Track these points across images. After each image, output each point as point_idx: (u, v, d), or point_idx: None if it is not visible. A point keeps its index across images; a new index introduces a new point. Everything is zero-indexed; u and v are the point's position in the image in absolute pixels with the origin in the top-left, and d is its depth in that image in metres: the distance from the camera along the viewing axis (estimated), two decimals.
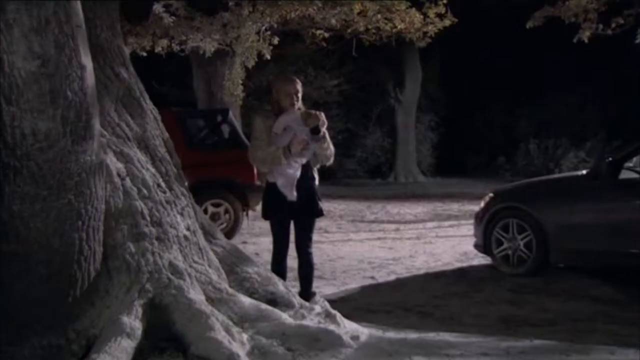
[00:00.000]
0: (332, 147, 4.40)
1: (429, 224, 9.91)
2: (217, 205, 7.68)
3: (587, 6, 6.46)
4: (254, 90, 15.70)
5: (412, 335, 3.86)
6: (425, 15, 10.57)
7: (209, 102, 12.09)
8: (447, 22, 10.72)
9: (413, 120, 19.14)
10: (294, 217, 4.48)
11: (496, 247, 6.03)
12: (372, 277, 6.02)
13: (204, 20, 10.08)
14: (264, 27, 9.96)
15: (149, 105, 3.63)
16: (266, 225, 9.62)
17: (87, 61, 2.62)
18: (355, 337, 3.53)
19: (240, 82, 10.02)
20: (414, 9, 10.26)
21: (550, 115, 18.72)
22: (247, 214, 8.00)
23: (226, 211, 7.74)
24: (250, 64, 9.81)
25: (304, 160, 4.38)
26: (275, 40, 10.01)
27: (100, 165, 2.85)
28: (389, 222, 10.29)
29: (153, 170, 3.46)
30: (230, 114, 8.23)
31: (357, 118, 18.53)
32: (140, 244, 3.23)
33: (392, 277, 6.05)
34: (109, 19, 3.35)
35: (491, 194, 6.35)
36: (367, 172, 19.07)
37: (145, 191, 3.33)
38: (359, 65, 16.76)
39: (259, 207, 8.68)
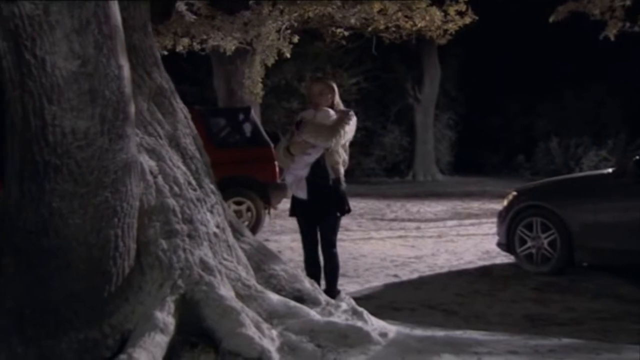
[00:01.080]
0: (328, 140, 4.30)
1: (450, 223, 9.89)
2: (239, 203, 7.73)
3: (614, 3, 6.39)
4: (272, 88, 15.75)
5: (439, 333, 3.87)
6: (446, 13, 10.56)
7: (228, 101, 12.16)
8: (467, 20, 10.71)
9: (431, 118, 19.08)
10: (313, 217, 4.53)
11: (519, 246, 6.02)
12: (395, 275, 6.04)
13: (224, 19, 10.17)
14: (284, 26, 10.03)
15: (179, 104, 3.69)
16: (287, 223, 9.72)
17: (124, 61, 2.67)
18: (383, 334, 3.56)
19: (260, 80, 10.07)
20: (434, 6, 10.26)
21: (571, 113, 18.56)
22: (269, 212, 8.05)
23: (248, 209, 7.79)
24: (270, 62, 9.87)
25: (310, 160, 4.40)
26: (296, 39, 10.07)
27: (135, 163, 2.90)
28: (409, 220, 10.29)
29: (184, 168, 3.51)
30: (252, 112, 8.27)
31: (376, 116, 18.50)
32: (172, 241, 3.28)
33: (415, 275, 6.06)
34: (141, 20, 3.41)
35: (514, 193, 6.33)
36: (385, 170, 19.05)
37: (176, 189, 3.38)
38: (377, 63, 16.75)
39: (280, 205, 8.79)
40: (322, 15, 9.93)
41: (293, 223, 9.67)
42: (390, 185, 17.06)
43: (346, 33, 10.88)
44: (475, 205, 12.11)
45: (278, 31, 9.85)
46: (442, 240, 8.10)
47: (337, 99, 4.62)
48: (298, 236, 8.09)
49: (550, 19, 7.25)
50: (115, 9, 2.61)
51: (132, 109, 2.79)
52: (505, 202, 6.37)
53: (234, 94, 12.17)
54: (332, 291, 4.46)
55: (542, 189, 6.27)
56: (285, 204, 9.37)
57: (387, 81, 18.56)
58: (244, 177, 7.67)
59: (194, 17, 9.81)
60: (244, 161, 7.66)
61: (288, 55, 9.78)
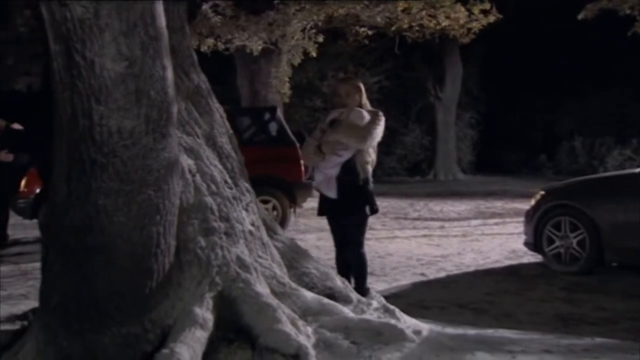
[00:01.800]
0: (358, 141, 4.33)
1: (474, 222, 9.88)
2: (265, 202, 7.80)
3: None
4: (295, 87, 15.83)
5: (471, 331, 3.88)
6: (470, 12, 10.54)
7: (252, 100, 12.26)
8: (491, 19, 10.69)
9: (453, 117, 19.04)
10: (341, 216, 4.57)
11: (547, 245, 5.99)
12: (423, 274, 6.05)
13: (249, 19, 10.26)
14: (309, 25, 10.08)
15: (215, 103, 3.75)
16: (311, 222, 9.76)
17: (168, 62, 2.73)
18: (417, 332, 3.59)
19: (287, 79, 10.14)
20: (459, 5, 10.25)
21: (594, 112, 18.39)
22: (294, 211, 8.11)
23: (274, 208, 7.86)
24: (296, 61, 9.94)
25: (341, 159, 4.43)
26: (321, 38, 10.12)
27: (176, 162, 2.97)
28: (433, 219, 10.29)
29: (220, 167, 3.57)
30: (278, 111, 8.33)
31: (397, 115, 18.50)
32: (210, 238, 3.34)
33: (442, 274, 6.07)
34: (180, 21, 3.47)
35: (542, 192, 6.31)
36: (406, 169, 19.05)
37: (214, 187, 3.44)
38: (399, 62, 16.75)
39: (305, 204, 8.84)
40: (347, 14, 9.97)
41: (317, 222, 9.78)
42: (411, 184, 17.05)
43: (370, 32, 10.91)
44: (498, 205, 12.07)
45: (303, 31, 9.90)
46: (467, 240, 8.10)
47: (365, 99, 4.64)
48: (324, 235, 8.23)
49: (579, 17, 7.19)
50: (161, 12, 2.67)
51: (175, 109, 2.85)
52: (532, 202, 6.35)
53: (257, 93, 12.26)
54: (361, 289, 4.49)
55: (571, 188, 6.24)
56: (309, 203, 9.46)
57: (409, 80, 18.56)
58: (270, 176, 7.74)
59: (219, 17, 9.91)
60: (270, 160, 7.73)
61: (314, 55, 9.83)
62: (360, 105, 4.54)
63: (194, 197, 3.32)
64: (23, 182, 7.43)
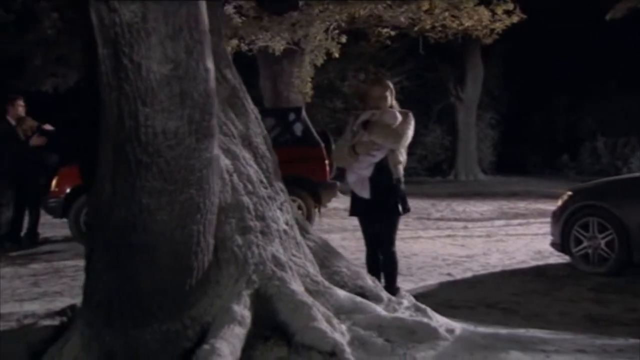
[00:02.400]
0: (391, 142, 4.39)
1: (497, 222, 9.86)
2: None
3: None
4: (315, 87, 15.90)
5: (502, 330, 3.90)
6: (493, 12, 10.51)
7: (274, 101, 12.33)
8: (515, 19, 10.64)
9: (474, 118, 18.97)
10: (373, 215, 4.61)
11: (575, 246, 5.98)
12: (449, 274, 6.07)
13: (272, 20, 10.33)
14: (332, 26, 10.13)
15: (250, 104, 3.82)
16: (334, 222, 9.79)
17: (211, 64, 2.80)
18: (450, 331, 3.62)
19: (309, 79, 10.20)
20: (482, 5, 10.23)
21: (617, 112, 18.20)
22: (319, 211, 8.16)
23: (299, 208, 7.91)
24: (319, 62, 10.00)
25: (375, 160, 4.47)
26: (343, 39, 10.17)
27: (217, 162, 3.04)
28: (456, 220, 10.28)
29: (255, 167, 3.64)
30: (304, 112, 8.40)
31: (417, 116, 18.32)
32: (247, 237, 3.40)
33: (469, 274, 6.08)
34: (216, 23, 3.53)
35: (569, 193, 6.29)
36: (426, 170, 19.02)
37: (250, 187, 3.50)
38: (420, 62, 16.73)
39: (330, 204, 8.88)
40: (369, 15, 10.00)
41: (341, 222, 9.84)
42: (432, 184, 17.01)
43: (392, 33, 10.92)
44: (521, 205, 12.01)
45: (326, 31, 9.96)
46: (492, 240, 8.09)
47: (394, 100, 4.69)
48: (348, 235, 8.29)
49: (608, 17, 7.15)
50: (205, 16, 2.74)
51: (215, 109, 2.92)
52: (559, 202, 6.34)
53: (280, 94, 12.33)
54: (391, 288, 4.53)
55: (599, 189, 6.21)
56: (332, 203, 9.51)
57: (430, 80, 18.53)
58: (295, 176, 7.77)
59: (243, 18, 9.99)
60: (295, 160, 7.77)
61: (337, 55, 9.88)
62: (391, 106, 4.59)
63: (231, 197, 3.39)
64: (53, 182, 7.58)
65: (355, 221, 9.42)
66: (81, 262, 6.61)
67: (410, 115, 4.58)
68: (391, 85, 4.62)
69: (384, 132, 4.42)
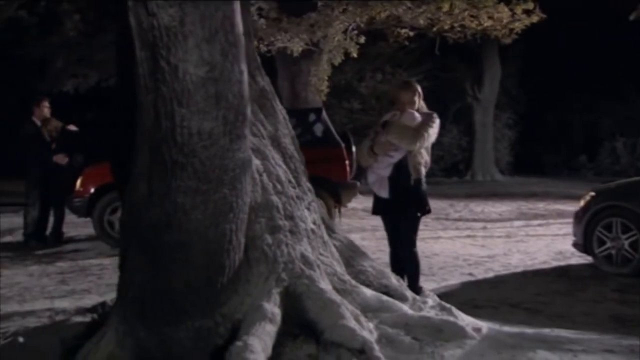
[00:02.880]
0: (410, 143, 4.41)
1: (517, 223, 9.85)
2: None
3: None
4: (333, 88, 15.94)
5: (528, 330, 3.92)
6: (513, 12, 10.46)
7: (293, 101, 12.38)
8: (535, 19, 10.57)
9: (491, 118, 18.93)
10: (394, 215, 4.65)
11: (598, 247, 5.97)
12: (471, 274, 6.09)
13: (291, 21, 10.39)
14: (350, 27, 10.16)
15: (278, 105, 3.87)
16: (353, 222, 9.82)
17: (244, 66, 2.85)
18: (477, 329, 3.64)
19: (327, 78, 10.25)
20: (501, 5, 10.18)
21: (636, 112, 18.07)
22: (339, 211, 8.20)
23: None
24: (337, 61, 10.04)
25: (393, 160, 4.51)
26: (362, 39, 10.20)
27: (249, 162, 3.09)
28: (475, 220, 10.28)
29: (284, 167, 3.69)
30: (324, 112, 8.44)
31: None
32: (276, 236, 3.45)
33: (491, 274, 6.09)
34: (246, 25, 3.57)
35: (592, 193, 6.28)
36: (443, 170, 18.99)
37: (279, 187, 3.55)
38: (436, 63, 16.71)
39: (352, 204, 8.92)
40: (388, 15, 10.02)
41: (359, 222, 9.88)
42: (449, 185, 16.99)
43: (411, 33, 10.92)
44: (540, 206, 11.98)
45: (345, 32, 9.99)
46: (512, 240, 8.09)
47: (421, 101, 4.72)
48: (368, 234, 8.33)
49: (631, 17, 7.11)
50: (239, 19, 2.79)
51: (249, 111, 2.97)
52: (581, 203, 6.33)
53: (298, 94, 12.39)
54: (414, 288, 4.56)
55: (622, 189, 6.19)
56: (351, 203, 9.54)
57: (447, 81, 18.50)
58: (315, 176, 7.81)
59: (263, 20, 10.06)
60: (315, 160, 7.76)
61: (355, 55, 9.92)
62: (417, 108, 4.62)
63: (261, 196, 3.44)
64: (78, 182, 7.69)
65: (373, 221, 9.48)
66: (106, 261, 6.80)
67: (435, 116, 4.60)
68: (419, 88, 4.66)
69: (401, 133, 4.45)
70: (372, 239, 7.93)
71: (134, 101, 3.02)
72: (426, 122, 4.49)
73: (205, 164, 2.83)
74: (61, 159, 7.74)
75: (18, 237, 8.43)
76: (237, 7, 2.77)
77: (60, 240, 8.00)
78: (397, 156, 4.49)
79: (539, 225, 9.60)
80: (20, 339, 3.73)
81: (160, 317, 3.09)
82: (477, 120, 18.76)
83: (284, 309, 3.36)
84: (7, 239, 8.60)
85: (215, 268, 3.11)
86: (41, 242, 7.77)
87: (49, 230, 8.01)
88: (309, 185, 3.94)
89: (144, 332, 3.11)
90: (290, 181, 3.68)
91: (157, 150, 2.80)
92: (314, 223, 3.81)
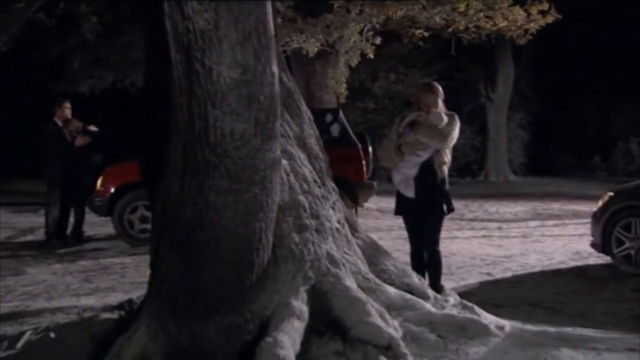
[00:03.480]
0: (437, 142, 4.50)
1: (532, 223, 9.85)
2: None
3: None
4: (347, 88, 15.98)
5: (551, 329, 3.95)
6: (528, 13, 10.46)
7: (307, 102, 12.37)
8: (550, 19, 10.57)
9: (504, 118, 18.90)
10: (418, 214, 4.70)
11: (616, 247, 5.99)
12: (489, 274, 6.12)
13: (307, 21, 10.44)
14: (366, 27, 10.20)
15: (303, 106, 3.94)
16: (368, 222, 9.85)
17: (276, 69, 2.91)
18: (500, 327, 3.68)
19: (344, 80, 10.29)
20: (517, 6, 10.19)
21: None
22: (356, 211, 8.25)
23: None
24: (354, 62, 10.09)
25: (420, 159, 4.57)
26: (378, 40, 10.24)
27: (279, 162, 3.15)
28: (490, 220, 10.30)
29: (310, 167, 3.75)
30: (341, 113, 8.50)
31: None
32: (303, 235, 3.51)
33: (509, 274, 6.12)
34: (274, 27, 3.65)
35: (610, 193, 6.30)
36: (456, 170, 18.94)
37: (305, 186, 3.62)
38: (450, 63, 16.70)
39: (367, 204, 8.96)
40: (404, 16, 10.05)
41: (375, 222, 9.93)
42: (463, 185, 16.98)
43: (426, 34, 10.95)
44: (555, 207, 11.97)
45: (360, 33, 10.03)
46: (528, 241, 8.11)
47: (441, 101, 4.78)
48: (384, 234, 8.37)
49: None
50: (271, 22, 2.86)
51: (279, 112, 3.04)
52: (600, 203, 6.34)
53: (313, 95, 12.43)
54: (436, 287, 4.62)
55: None
56: (368, 203, 9.59)
57: (460, 81, 18.48)
58: (333, 176, 7.88)
59: (279, 20, 10.12)
60: (332, 160, 7.84)
61: (371, 56, 9.96)
62: (438, 108, 4.68)
63: (288, 196, 3.50)
64: (99, 182, 7.80)
65: (388, 221, 9.51)
66: (127, 259, 6.91)
67: (456, 117, 4.67)
68: (440, 89, 4.72)
69: (430, 132, 4.51)
70: (388, 239, 7.98)
71: (162, 102, 3.10)
72: (451, 122, 4.55)
73: (237, 164, 2.90)
74: (81, 140, 7.81)
75: (38, 236, 8.56)
76: (269, 9, 2.84)
77: (80, 239, 8.11)
78: (424, 155, 4.56)
79: (555, 225, 9.60)
80: (52, 334, 3.81)
81: (192, 313, 3.16)
82: (491, 121, 18.74)
83: (311, 307, 3.42)
84: (28, 237, 8.73)
85: (244, 266, 3.17)
86: (62, 241, 7.88)
87: (69, 230, 8.12)
88: (333, 185, 4.00)
89: (176, 328, 3.17)
90: (315, 181, 3.74)
91: (190, 150, 2.87)
92: (339, 222, 3.87)
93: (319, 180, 3.79)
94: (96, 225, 9.23)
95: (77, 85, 13.88)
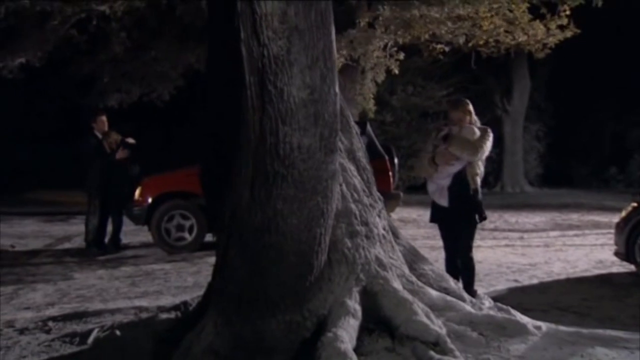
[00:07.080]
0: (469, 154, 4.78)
1: (552, 233, 10.07)
2: None
3: None
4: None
5: (583, 330, 4.19)
6: (547, 28, 10.72)
7: None
8: (568, 34, 10.82)
9: (520, 130, 19.12)
10: (452, 223, 4.99)
11: None
12: (516, 280, 6.37)
13: None
14: (390, 43, 10.51)
15: (351, 121, 4.25)
16: None
17: (338, 89, 3.23)
18: (537, 327, 3.94)
19: (372, 96, 10.59)
20: (537, 20, 10.47)
21: None
22: None
23: None
24: (380, 78, 10.40)
25: (453, 170, 4.87)
26: (401, 56, 10.55)
27: (338, 173, 3.46)
28: (510, 230, 10.53)
29: (359, 177, 4.05)
30: (369, 126, 8.82)
31: None
32: (354, 240, 3.81)
33: (535, 281, 6.37)
34: None
35: (634, 203, 6.54)
36: None
37: (356, 195, 3.92)
38: (466, 75, 16.97)
39: (393, 214, 9.23)
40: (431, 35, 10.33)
41: (402, 230, 10.11)
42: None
43: (446, 49, 11.24)
44: (574, 217, 12.16)
45: (384, 48, 10.34)
46: (551, 250, 8.34)
47: (474, 116, 5.07)
48: (413, 242, 8.59)
49: None
50: (335, 47, 3.18)
51: (339, 127, 3.35)
52: (623, 213, 6.59)
53: None
54: (470, 291, 4.88)
55: None
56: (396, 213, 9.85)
57: (476, 93, 18.73)
58: None
59: None
60: None
61: (396, 72, 10.26)
62: (470, 122, 4.98)
63: (341, 204, 3.80)
64: (137, 192, 8.15)
65: (411, 230, 9.76)
66: (167, 266, 7.23)
67: (489, 131, 4.96)
68: (470, 106, 5.00)
69: (462, 145, 4.81)
70: (417, 247, 8.23)
71: (222, 116, 3.42)
72: (483, 135, 4.84)
73: (303, 175, 3.20)
74: (122, 153, 8.16)
75: (75, 244, 8.92)
76: (334, 37, 3.15)
77: (118, 247, 8.45)
78: (457, 166, 4.85)
79: (575, 235, 9.82)
80: (117, 332, 4.12)
81: (255, 311, 3.46)
82: (507, 132, 18.98)
83: (362, 306, 3.71)
84: (66, 245, 9.08)
85: (305, 267, 3.47)
86: (100, 249, 8.22)
87: (107, 238, 8.46)
88: (378, 194, 4.29)
89: (240, 325, 3.47)
90: (364, 190, 4.04)
91: (261, 162, 3.18)
92: (384, 229, 4.16)
93: (367, 190, 4.09)
94: (129, 234, 9.56)
95: (106, 99, 14.28)
